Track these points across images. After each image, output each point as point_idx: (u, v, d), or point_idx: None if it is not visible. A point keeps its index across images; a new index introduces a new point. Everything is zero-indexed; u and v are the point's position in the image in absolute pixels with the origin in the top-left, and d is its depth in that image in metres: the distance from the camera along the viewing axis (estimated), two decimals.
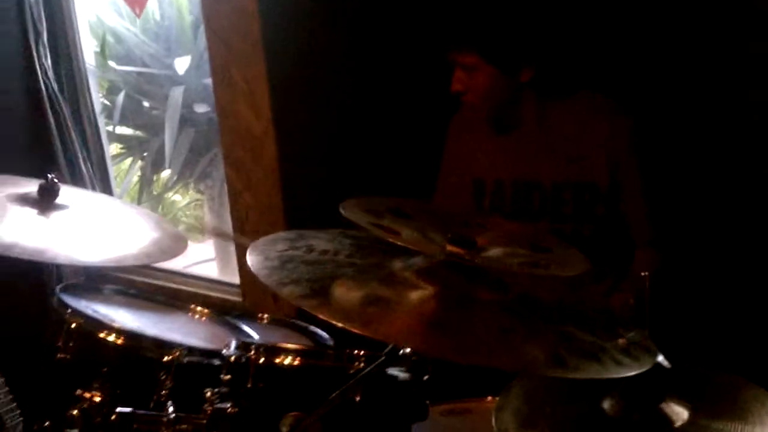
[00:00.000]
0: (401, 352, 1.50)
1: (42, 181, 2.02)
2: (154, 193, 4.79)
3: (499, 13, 2.00)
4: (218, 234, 4.32)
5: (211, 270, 4.35)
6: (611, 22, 2.17)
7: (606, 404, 1.41)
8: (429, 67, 2.34)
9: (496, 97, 2.05)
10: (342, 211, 1.44)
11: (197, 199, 5.23)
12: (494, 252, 1.41)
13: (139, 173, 4.58)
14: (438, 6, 2.23)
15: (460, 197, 2.20)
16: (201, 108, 4.09)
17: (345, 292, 1.32)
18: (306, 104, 2.76)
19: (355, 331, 1.19)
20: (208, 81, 3.19)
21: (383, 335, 1.24)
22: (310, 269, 1.38)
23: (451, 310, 1.32)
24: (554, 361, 1.21)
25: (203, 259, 4.52)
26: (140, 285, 3.46)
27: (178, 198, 5.34)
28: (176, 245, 2.04)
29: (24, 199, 2.01)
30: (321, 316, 1.23)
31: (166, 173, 4.58)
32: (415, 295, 1.32)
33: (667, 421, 1.36)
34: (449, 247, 1.36)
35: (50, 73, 3.41)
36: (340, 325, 1.20)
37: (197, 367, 1.81)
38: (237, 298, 3.24)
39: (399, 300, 1.31)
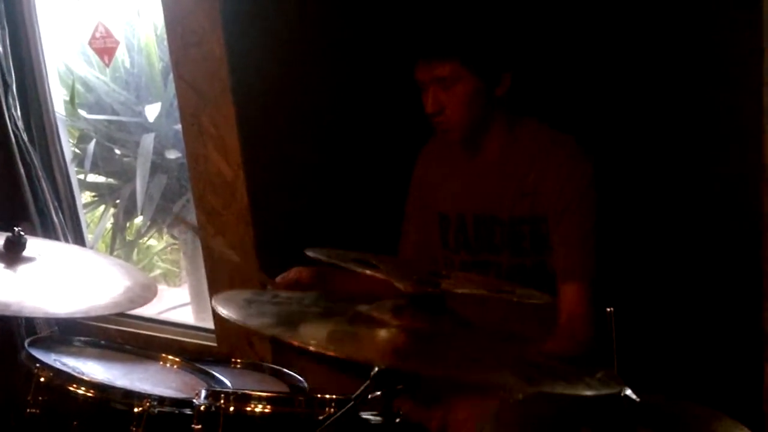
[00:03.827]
0: (371, 396, 1.50)
1: (8, 234, 2.01)
2: (128, 239, 4.77)
3: (479, 15, 1.96)
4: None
5: (186, 315, 4.33)
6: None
7: None
8: (399, 111, 2.37)
9: (474, 113, 1.98)
10: (308, 253, 1.44)
11: (173, 244, 5.21)
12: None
13: (111, 220, 4.56)
14: (410, 23, 2.18)
15: (427, 231, 2.19)
16: (172, 154, 4.09)
17: (313, 329, 1.33)
18: (276, 148, 2.77)
19: (328, 352, 1.19)
20: (179, 127, 3.19)
21: (355, 355, 1.24)
22: (277, 309, 1.40)
23: (420, 343, 1.32)
24: (525, 380, 1.23)
25: (178, 304, 4.49)
26: (114, 333, 3.45)
27: (154, 243, 5.32)
28: (145, 294, 2.04)
29: None
30: (293, 342, 1.23)
31: (139, 219, 4.56)
32: (383, 332, 1.32)
33: None
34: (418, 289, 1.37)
35: (20, 123, 3.41)
36: (312, 348, 1.20)
37: (168, 416, 1.80)
38: (212, 344, 3.22)
39: (367, 334, 1.32)
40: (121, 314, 3.44)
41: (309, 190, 2.72)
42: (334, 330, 1.32)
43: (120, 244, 4.61)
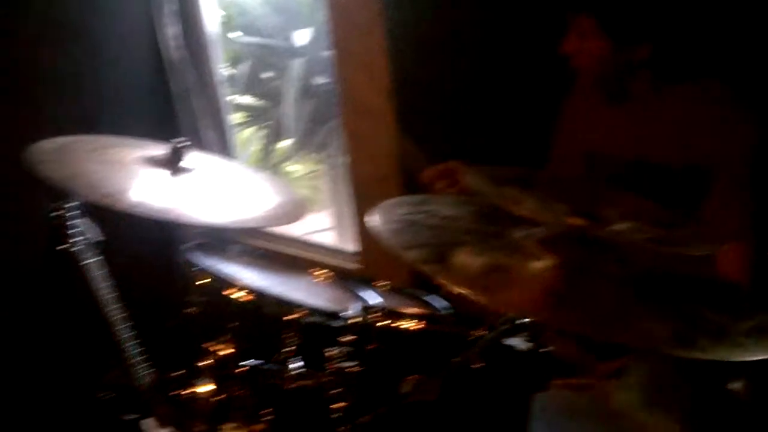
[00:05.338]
0: (523, 321, 1.49)
1: (170, 144, 2.06)
2: (274, 162, 4.89)
3: None
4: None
5: (327, 239, 4.41)
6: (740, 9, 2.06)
7: (733, 387, 1.37)
8: (551, 39, 2.31)
9: (604, 68, 1.98)
10: (466, 177, 1.43)
11: (315, 170, 5.31)
12: (619, 226, 1.38)
13: (260, 141, 4.67)
14: None
15: (572, 172, 2.17)
16: (321, 79, 4.14)
17: (465, 260, 1.32)
18: (425, 76, 2.75)
19: (476, 298, 1.19)
20: (329, 53, 3.22)
21: (503, 304, 1.23)
22: (432, 235, 1.38)
23: (573, 282, 1.30)
24: (679, 340, 1.18)
25: (320, 228, 4.59)
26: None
27: (296, 168, 5.44)
28: (296, 210, 2.06)
29: (152, 162, 2.05)
30: (443, 282, 1.23)
31: (286, 143, 4.66)
32: (536, 265, 1.31)
33: None
34: (571, 219, 1.35)
35: (176, 42, 3.51)
36: (459, 291, 1.20)
37: (319, 327, 1.85)
38: (354, 266, 3.28)
39: (519, 269, 1.31)
40: (266, 232, 3.54)
41: (457, 117, 2.69)
42: (487, 264, 1.30)
43: (265, 166, 4.73)
